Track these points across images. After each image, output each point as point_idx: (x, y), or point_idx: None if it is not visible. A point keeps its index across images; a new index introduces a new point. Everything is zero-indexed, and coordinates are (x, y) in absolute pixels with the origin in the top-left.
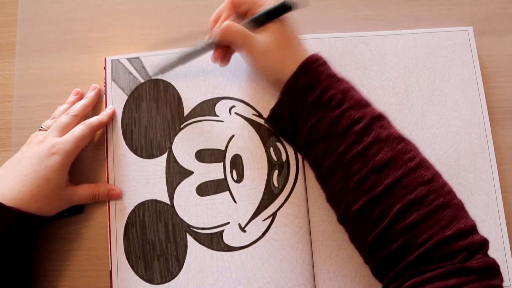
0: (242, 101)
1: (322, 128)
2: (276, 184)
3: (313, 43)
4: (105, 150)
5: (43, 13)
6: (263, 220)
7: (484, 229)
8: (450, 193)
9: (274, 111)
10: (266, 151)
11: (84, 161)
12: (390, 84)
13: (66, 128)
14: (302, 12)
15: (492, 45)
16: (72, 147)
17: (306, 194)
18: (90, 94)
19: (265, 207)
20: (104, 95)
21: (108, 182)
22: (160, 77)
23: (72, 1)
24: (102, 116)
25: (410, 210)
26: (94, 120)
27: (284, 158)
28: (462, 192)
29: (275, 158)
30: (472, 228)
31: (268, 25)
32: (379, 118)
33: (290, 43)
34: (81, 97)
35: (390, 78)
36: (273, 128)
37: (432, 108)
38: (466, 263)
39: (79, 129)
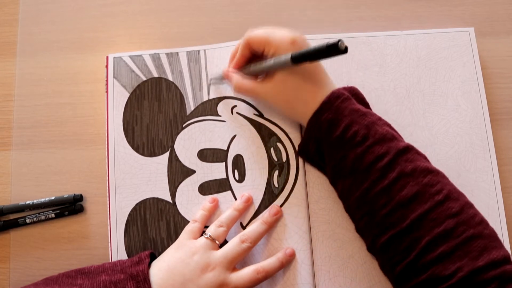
0: (243, 100)
1: (347, 165)
2: (276, 185)
3: (315, 43)
4: (106, 147)
5: (44, 13)
6: None
7: None
8: (481, 223)
9: (301, 146)
10: (266, 151)
11: (84, 161)
12: (391, 84)
13: (233, 261)
14: (303, 13)
15: (493, 46)
16: None
17: (306, 194)
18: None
19: (266, 207)
20: (106, 93)
21: (108, 179)
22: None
23: (73, 0)
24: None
25: (438, 243)
26: (268, 267)
27: (284, 159)
28: None
29: (275, 159)
30: (505, 259)
31: (276, 73)
32: (406, 151)
33: (304, 85)
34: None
35: (391, 79)
36: (304, 159)
37: (433, 109)
38: None
39: (254, 278)
